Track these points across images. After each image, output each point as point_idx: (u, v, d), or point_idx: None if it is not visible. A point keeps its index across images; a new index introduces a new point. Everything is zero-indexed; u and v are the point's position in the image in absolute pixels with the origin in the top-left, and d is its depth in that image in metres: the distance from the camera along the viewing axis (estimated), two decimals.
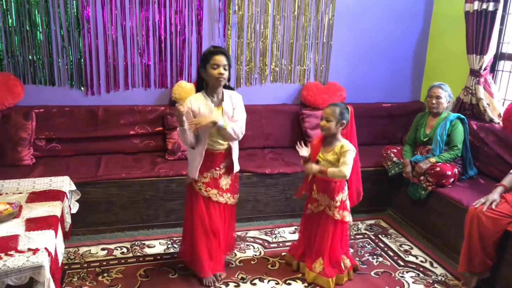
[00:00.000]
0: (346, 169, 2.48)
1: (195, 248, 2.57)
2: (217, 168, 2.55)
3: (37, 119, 3.36)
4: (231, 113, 2.50)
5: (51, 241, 2.02)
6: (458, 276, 2.81)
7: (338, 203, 2.61)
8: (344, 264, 2.70)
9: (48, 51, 3.44)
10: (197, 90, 2.54)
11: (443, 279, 2.81)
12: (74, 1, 3.39)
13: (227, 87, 2.55)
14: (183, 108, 2.34)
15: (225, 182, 2.59)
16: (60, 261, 2.17)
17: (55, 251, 2.06)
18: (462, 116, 3.32)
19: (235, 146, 2.59)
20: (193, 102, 2.45)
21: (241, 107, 2.56)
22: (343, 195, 2.63)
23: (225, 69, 2.40)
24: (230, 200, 2.63)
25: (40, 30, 3.39)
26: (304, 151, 2.64)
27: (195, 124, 2.36)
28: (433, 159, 3.21)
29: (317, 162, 2.62)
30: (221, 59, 2.38)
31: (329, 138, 2.62)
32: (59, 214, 2.30)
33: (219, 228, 2.58)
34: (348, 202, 2.67)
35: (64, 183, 2.67)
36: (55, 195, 2.48)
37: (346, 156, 2.51)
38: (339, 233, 2.68)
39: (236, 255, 2.96)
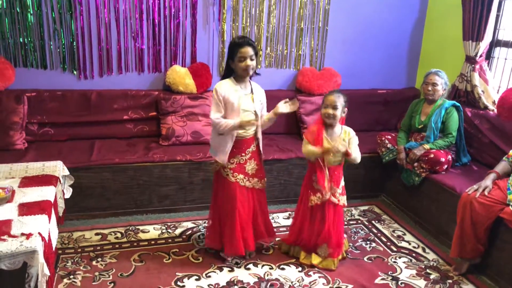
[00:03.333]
0: (358, 152, 2.62)
1: (230, 229, 2.62)
2: (243, 154, 2.61)
3: (29, 103, 3.31)
4: (260, 105, 2.61)
5: (44, 226, 2.01)
6: (449, 262, 2.85)
7: (341, 190, 2.68)
8: (344, 246, 2.80)
9: (40, 34, 3.38)
10: (224, 77, 2.61)
11: (435, 264, 2.84)
12: None
13: (253, 74, 2.62)
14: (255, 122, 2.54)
15: (251, 167, 2.64)
16: (53, 246, 2.16)
17: (49, 235, 2.05)
18: (458, 104, 3.32)
19: (260, 134, 2.68)
20: (223, 89, 2.53)
21: (266, 105, 2.70)
22: (342, 180, 2.70)
23: (251, 60, 2.47)
24: (257, 185, 2.68)
25: (31, 12, 3.32)
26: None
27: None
28: (427, 146, 3.22)
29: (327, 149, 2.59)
30: (247, 50, 2.45)
31: (330, 125, 2.61)
32: (52, 199, 2.28)
33: (247, 212, 2.64)
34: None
35: (57, 168, 2.64)
36: (48, 180, 2.46)
37: (354, 142, 2.62)
38: (338, 217, 2.71)
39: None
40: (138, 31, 3.57)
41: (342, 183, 2.69)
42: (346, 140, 2.59)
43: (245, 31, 3.81)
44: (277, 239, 2.99)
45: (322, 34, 4.04)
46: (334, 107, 2.54)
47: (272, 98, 3.89)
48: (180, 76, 3.59)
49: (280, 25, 3.90)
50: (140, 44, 3.61)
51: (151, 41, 3.63)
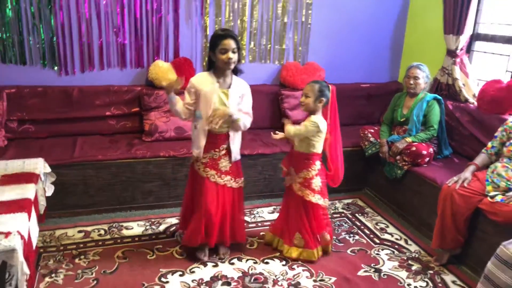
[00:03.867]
0: (298, 130, 2.58)
1: (190, 222, 2.62)
2: (217, 150, 2.56)
3: (9, 100, 3.26)
4: (236, 100, 2.53)
5: (23, 224, 1.99)
6: (431, 253, 2.89)
7: (301, 179, 2.66)
8: (323, 238, 2.76)
9: (18, 29, 3.32)
10: (208, 69, 2.57)
11: (417, 255, 2.88)
12: None
13: (237, 71, 2.57)
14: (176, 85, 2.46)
15: (224, 164, 2.59)
16: (34, 244, 2.14)
17: (29, 234, 2.03)
18: (439, 97, 3.36)
19: (237, 135, 2.62)
20: (198, 80, 2.50)
21: (249, 97, 2.62)
22: (308, 173, 2.65)
23: (233, 52, 2.42)
24: (230, 183, 2.62)
25: (9, 7, 3.25)
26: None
27: (218, 117, 2.43)
28: (409, 139, 3.25)
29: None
30: (229, 43, 2.40)
31: (310, 115, 2.63)
32: (32, 197, 2.26)
33: (215, 209, 2.57)
34: (316, 184, 2.67)
35: (38, 165, 2.61)
36: (28, 178, 2.43)
37: (305, 123, 2.58)
38: (304, 210, 2.69)
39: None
40: (119, 26, 3.53)
41: (306, 175, 2.63)
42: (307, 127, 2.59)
43: (228, 26, 3.79)
44: (261, 233, 3.01)
45: (305, 28, 4.04)
46: (306, 95, 2.59)
47: (256, 93, 3.90)
48: (163, 71, 3.56)
49: (263, 19, 3.89)
50: (122, 39, 3.57)
51: (133, 36, 3.59)
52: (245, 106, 2.59)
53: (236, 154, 2.63)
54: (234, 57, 2.42)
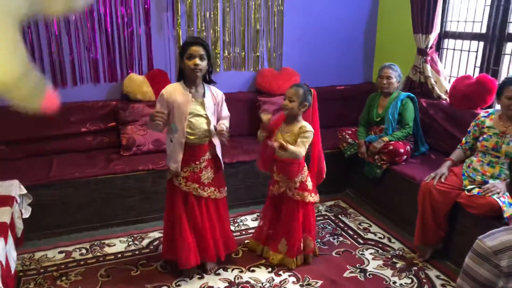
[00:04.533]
0: (303, 149, 2.53)
1: (175, 242, 2.53)
2: (197, 162, 2.49)
3: None
4: (212, 109, 2.47)
5: (0, 250, 1.93)
6: (414, 249, 2.93)
7: (297, 184, 2.65)
8: (306, 245, 2.74)
9: None
10: (178, 80, 2.50)
11: (400, 253, 2.92)
12: None
13: (208, 81, 2.51)
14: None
15: (206, 176, 2.53)
16: (12, 269, 2.09)
17: (6, 259, 1.98)
18: (412, 95, 3.43)
19: (217, 141, 2.55)
20: (169, 91, 2.42)
21: (225, 105, 2.58)
22: (302, 176, 2.66)
23: (201, 60, 2.35)
24: (214, 194, 2.57)
25: None
26: (266, 116, 2.59)
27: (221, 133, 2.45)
28: (386, 138, 3.30)
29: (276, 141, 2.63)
30: (197, 49, 2.34)
31: (290, 119, 2.63)
32: (8, 221, 2.20)
33: (199, 224, 2.53)
34: (309, 183, 2.70)
35: (13, 187, 2.55)
36: (3, 201, 2.37)
37: (304, 137, 2.54)
38: (302, 214, 2.71)
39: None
40: (90, 41, 3.49)
41: (302, 178, 2.65)
42: (296, 134, 2.57)
43: (201, 36, 3.79)
44: (246, 241, 3.00)
45: (278, 34, 4.08)
46: (290, 99, 2.56)
47: (233, 100, 3.92)
48: (138, 84, 3.54)
49: (236, 28, 3.90)
50: (94, 54, 3.53)
51: (105, 50, 3.55)
52: (224, 111, 2.58)
53: (221, 163, 2.60)
54: (201, 64, 2.35)
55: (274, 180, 2.74)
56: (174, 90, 2.43)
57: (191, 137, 2.44)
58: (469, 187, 2.59)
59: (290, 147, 2.49)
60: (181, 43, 3.73)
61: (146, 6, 3.57)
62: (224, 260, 2.72)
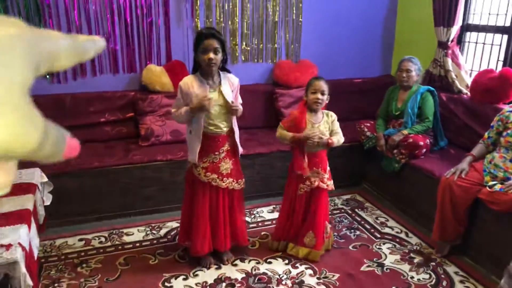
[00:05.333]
0: (341, 135, 2.65)
1: (193, 230, 2.57)
2: (216, 153, 2.50)
3: None
4: (230, 96, 2.46)
5: (24, 236, 1.97)
6: (432, 245, 2.91)
7: (328, 174, 2.70)
8: (326, 231, 2.77)
9: None
10: (193, 72, 2.49)
11: (418, 248, 2.90)
12: None
13: (224, 69, 2.49)
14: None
15: (225, 166, 2.53)
16: (35, 255, 2.13)
17: (30, 245, 2.02)
18: (432, 89, 3.38)
19: (236, 128, 2.56)
20: (187, 83, 2.41)
21: (238, 93, 2.58)
22: (327, 166, 2.71)
23: (216, 53, 2.32)
24: (232, 185, 2.57)
25: None
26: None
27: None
28: (405, 131, 3.27)
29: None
30: (211, 43, 2.30)
31: (316, 112, 2.63)
32: (31, 208, 2.24)
33: (218, 214, 2.56)
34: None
35: (35, 175, 2.59)
36: (26, 188, 2.41)
37: (337, 124, 2.66)
38: (325, 202, 2.75)
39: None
40: (110, 32, 3.51)
41: (328, 167, 2.71)
42: (329, 122, 2.62)
43: (219, 27, 3.78)
44: (262, 233, 3.01)
45: (297, 26, 4.05)
46: (322, 93, 2.56)
47: (250, 92, 3.93)
48: (156, 75, 3.55)
49: (254, 19, 3.89)
50: (113, 44, 3.55)
51: (125, 41, 3.57)
52: (238, 99, 2.57)
53: (240, 148, 2.61)
54: (216, 57, 2.32)
55: (302, 179, 2.66)
56: (191, 82, 2.42)
57: (211, 127, 2.45)
58: (491, 183, 2.55)
59: (335, 139, 2.60)
60: None
61: None
62: (234, 249, 2.74)
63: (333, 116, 2.66)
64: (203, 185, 2.52)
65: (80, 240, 2.93)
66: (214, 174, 2.51)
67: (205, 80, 2.42)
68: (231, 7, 3.78)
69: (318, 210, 2.69)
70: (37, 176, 2.59)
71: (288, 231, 2.80)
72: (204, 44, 2.31)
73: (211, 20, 3.75)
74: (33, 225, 2.20)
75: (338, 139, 2.62)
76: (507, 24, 3.29)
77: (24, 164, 2.56)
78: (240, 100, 2.59)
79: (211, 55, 2.32)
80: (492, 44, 3.47)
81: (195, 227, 2.56)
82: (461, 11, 3.50)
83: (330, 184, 2.70)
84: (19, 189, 2.40)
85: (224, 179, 2.54)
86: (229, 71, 2.54)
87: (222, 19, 3.79)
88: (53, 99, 3.39)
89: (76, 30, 3.41)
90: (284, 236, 2.81)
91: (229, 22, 3.82)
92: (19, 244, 1.89)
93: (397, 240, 2.99)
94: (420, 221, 3.19)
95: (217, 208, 2.56)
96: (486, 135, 2.83)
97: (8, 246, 1.85)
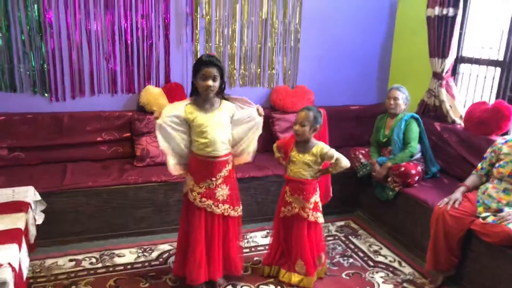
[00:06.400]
0: (345, 159, 2.62)
1: (189, 258, 2.52)
2: (213, 179, 2.49)
3: None
4: (228, 119, 2.51)
5: (14, 256, 1.95)
6: (425, 274, 2.89)
7: (312, 205, 2.65)
8: (319, 261, 2.76)
9: (9, 57, 3.31)
10: (191, 95, 2.53)
11: (411, 278, 2.88)
12: (35, 5, 3.28)
13: (223, 96, 2.53)
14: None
15: (221, 193, 2.52)
16: (24, 276, 2.10)
17: (19, 265, 1.99)
18: (416, 116, 3.43)
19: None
20: (186, 109, 2.43)
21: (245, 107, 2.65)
22: (316, 197, 2.67)
23: (214, 80, 2.37)
24: (227, 212, 2.55)
25: (0, 35, 3.26)
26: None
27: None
28: (389, 163, 3.30)
29: (292, 162, 2.65)
30: (211, 70, 2.35)
31: (303, 141, 2.64)
32: (23, 227, 2.22)
33: (213, 241, 2.52)
34: (320, 204, 2.72)
35: (28, 193, 2.57)
36: (19, 207, 2.39)
37: (334, 153, 2.61)
38: (314, 234, 2.71)
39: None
40: (110, 53, 3.55)
41: (316, 199, 2.67)
42: (317, 155, 2.61)
43: (218, 51, 3.84)
44: (255, 258, 2.98)
45: (294, 52, 4.12)
46: (302, 124, 2.58)
47: None
48: (154, 96, 3.58)
49: (252, 44, 3.95)
50: (113, 65, 3.59)
51: (124, 62, 3.61)
52: (245, 112, 2.62)
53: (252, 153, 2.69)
54: (214, 85, 2.37)
55: (285, 202, 2.71)
56: (190, 108, 2.45)
57: (208, 149, 2.44)
58: (484, 214, 2.57)
59: (342, 162, 2.59)
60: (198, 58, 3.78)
61: (166, 20, 3.63)
62: (232, 277, 2.70)
63: (325, 149, 2.61)
64: (199, 210, 2.50)
65: (71, 260, 2.89)
66: (209, 200, 2.49)
67: (203, 104, 2.46)
68: (230, 32, 3.84)
69: (301, 239, 2.66)
70: (31, 195, 2.58)
71: (280, 256, 2.79)
72: (204, 71, 2.36)
73: (210, 44, 3.81)
74: (24, 245, 2.17)
75: (345, 165, 2.62)
76: (500, 57, 3.37)
77: (18, 181, 2.55)
78: (250, 110, 2.64)
79: (210, 82, 2.36)
80: (485, 77, 3.54)
81: (191, 254, 2.51)
82: (455, 43, 3.58)
83: (314, 215, 2.65)
84: (11, 207, 2.38)
85: (220, 205, 2.52)
86: (226, 98, 2.56)
87: (221, 44, 3.85)
88: (51, 117, 3.40)
89: (77, 50, 3.45)
90: (276, 261, 2.79)
91: (228, 47, 3.88)
92: (9, 264, 1.86)
93: (390, 269, 2.98)
94: (413, 250, 3.18)
95: (212, 234, 2.53)
96: (479, 166, 2.86)
97: None
